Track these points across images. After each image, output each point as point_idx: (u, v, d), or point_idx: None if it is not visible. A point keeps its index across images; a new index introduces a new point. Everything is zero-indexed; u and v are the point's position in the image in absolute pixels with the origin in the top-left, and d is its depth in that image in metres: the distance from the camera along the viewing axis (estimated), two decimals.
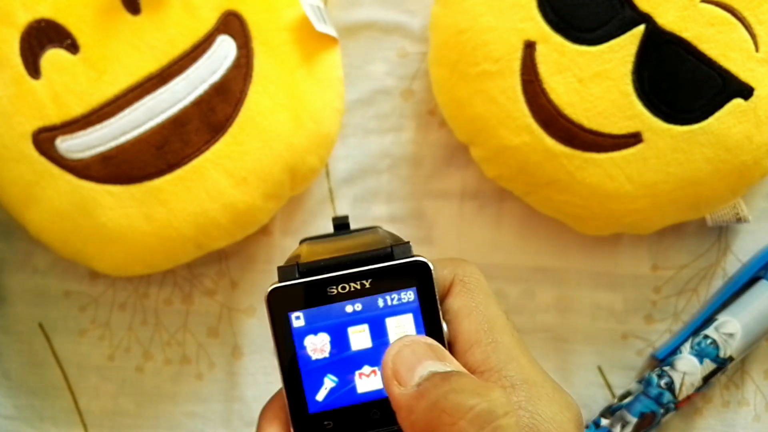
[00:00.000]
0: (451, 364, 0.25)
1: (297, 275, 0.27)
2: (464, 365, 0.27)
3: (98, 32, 0.42)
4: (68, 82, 0.42)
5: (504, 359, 0.27)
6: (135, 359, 0.49)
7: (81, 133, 0.42)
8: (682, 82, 0.41)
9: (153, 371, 0.49)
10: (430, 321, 0.27)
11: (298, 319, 0.27)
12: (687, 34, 0.41)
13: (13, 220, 0.45)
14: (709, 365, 0.46)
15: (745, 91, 0.41)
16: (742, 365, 0.48)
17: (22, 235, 0.48)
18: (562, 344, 0.48)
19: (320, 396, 0.27)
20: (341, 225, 0.35)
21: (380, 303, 0.27)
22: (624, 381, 0.48)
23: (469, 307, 0.28)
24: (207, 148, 0.42)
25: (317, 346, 0.27)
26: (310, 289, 0.27)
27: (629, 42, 0.41)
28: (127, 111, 0.42)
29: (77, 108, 0.42)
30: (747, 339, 0.46)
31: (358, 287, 0.27)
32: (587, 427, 0.47)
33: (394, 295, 0.27)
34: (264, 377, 0.49)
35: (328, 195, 0.49)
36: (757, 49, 0.41)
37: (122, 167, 0.42)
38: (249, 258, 0.49)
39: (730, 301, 0.47)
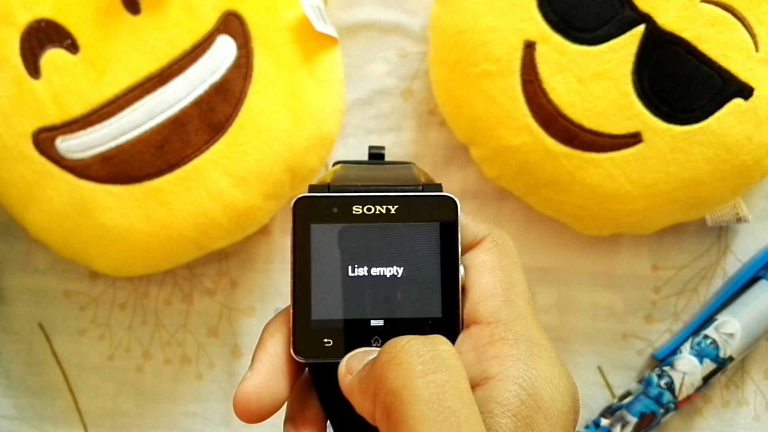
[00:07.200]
0: None
1: (327, 192, 0.28)
2: (473, 314, 0.27)
3: (98, 32, 0.42)
4: (68, 82, 0.42)
5: (514, 316, 0.26)
6: (135, 359, 0.49)
7: (81, 133, 0.42)
8: (682, 82, 0.41)
9: (153, 371, 0.49)
10: (448, 259, 0.27)
11: (318, 233, 0.27)
12: (687, 34, 0.41)
13: (13, 220, 0.45)
14: (709, 365, 0.46)
15: (745, 91, 0.41)
16: (742, 365, 0.48)
17: (22, 235, 0.48)
18: (562, 344, 0.48)
19: (326, 311, 0.27)
20: (376, 155, 0.34)
21: (402, 231, 0.27)
22: (624, 381, 0.48)
23: (493, 263, 0.28)
24: (207, 148, 0.42)
25: (333, 263, 0.27)
26: (335, 204, 0.27)
27: (629, 42, 0.41)
28: (127, 111, 0.42)
29: (77, 108, 0.42)
30: (747, 339, 0.46)
31: (383, 211, 0.27)
32: (587, 427, 0.47)
33: (417, 226, 0.27)
34: None
35: None
36: (757, 49, 0.41)
37: (122, 167, 0.42)
38: (249, 258, 0.49)
39: (730, 301, 0.47)
